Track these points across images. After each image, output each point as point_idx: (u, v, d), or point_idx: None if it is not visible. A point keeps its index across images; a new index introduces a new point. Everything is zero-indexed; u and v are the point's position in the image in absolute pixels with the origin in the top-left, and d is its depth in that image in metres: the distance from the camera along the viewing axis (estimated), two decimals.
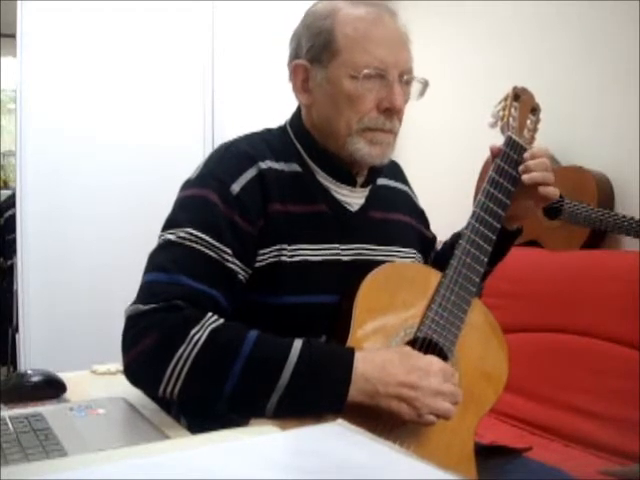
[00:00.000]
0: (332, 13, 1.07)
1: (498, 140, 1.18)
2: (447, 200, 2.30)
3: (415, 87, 1.12)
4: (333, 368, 0.94)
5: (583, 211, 1.93)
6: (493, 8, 2.49)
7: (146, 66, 2.55)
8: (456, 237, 1.25)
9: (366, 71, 1.04)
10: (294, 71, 1.12)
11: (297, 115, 1.17)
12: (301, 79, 1.11)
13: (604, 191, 2.04)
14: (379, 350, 0.99)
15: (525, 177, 1.11)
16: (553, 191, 1.12)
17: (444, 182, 2.58)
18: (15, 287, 2.47)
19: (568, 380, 1.85)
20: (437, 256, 1.32)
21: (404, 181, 1.31)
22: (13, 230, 2.45)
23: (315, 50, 1.08)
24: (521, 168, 1.13)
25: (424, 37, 2.71)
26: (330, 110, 1.09)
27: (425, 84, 1.12)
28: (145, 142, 2.55)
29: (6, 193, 3.86)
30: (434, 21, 2.76)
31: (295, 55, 1.12)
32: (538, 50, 2.31)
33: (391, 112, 1.07)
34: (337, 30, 1.06)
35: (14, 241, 2.43)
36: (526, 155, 1.13)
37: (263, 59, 2.59)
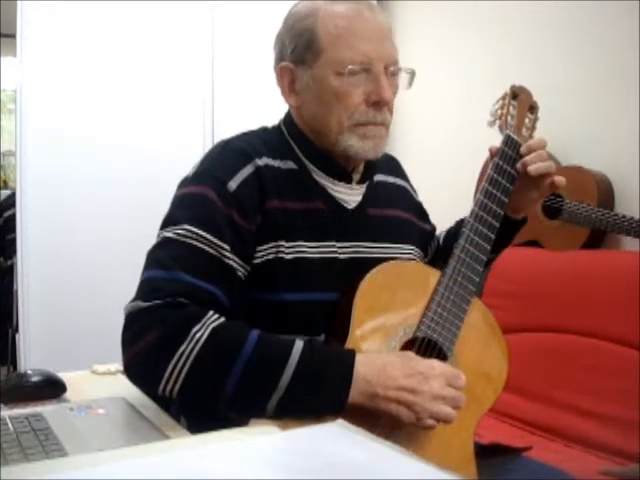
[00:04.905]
0: (313, 13, 1.08)
1: (499, 138, 1.18)
2: (448, 199, 2.29)
3: (404, 78, 1.12)
4: (334, 369, 0.94)
5: (583, 211, 1.93)
6: (495, 7, 2.48)
7: (146, 66, 2.54)
8: (459, 225, 1.27)
9: (351, 67, 1.04)
10: (280, 74, 1.12)
11: (289, 114, 1.17)
12: (288, 81, 1.11)
13: (604, 191, 2.03)
14: (380, 353, 0.99)
15: (531, 168, 1.12)
16: (560, 180, 1.14)
17: (445, 180, 2.57)
18: (15, 287, 2.47)
19: (568, 380, 1.85)
20: (439, 248, 1.34)
21: (402, 176, 1.31)
22: (13, 230, 2.45)
23: (299, 51, 1.08)
24: (521, 162, 1.14)
25: (425, 36, 2.73)
26: (320, 109, 1.09)
27: (412, 74, 1.12)
28: (145, 142, 2.55)
29: (6, 193, 3.85)
30: (436, 20, 2.76)
31: (280, 58, 1.12)
32: (539, 49, 2.31)
33: (380, 105, 1.07)
34: (319, 29, 1.06)
35: (14, 241, 2.42)
36: (523, 149, 1.15)
37: (263, 59, 2.57)
